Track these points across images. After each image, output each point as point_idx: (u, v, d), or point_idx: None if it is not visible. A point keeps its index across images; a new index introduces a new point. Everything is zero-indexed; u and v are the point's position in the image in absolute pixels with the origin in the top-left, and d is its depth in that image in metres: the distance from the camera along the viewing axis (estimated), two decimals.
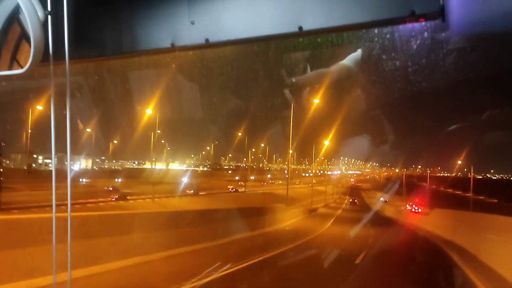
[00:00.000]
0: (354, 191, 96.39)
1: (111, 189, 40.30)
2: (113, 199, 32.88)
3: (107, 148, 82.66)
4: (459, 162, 58.73)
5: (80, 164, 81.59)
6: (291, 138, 37.47)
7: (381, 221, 33.91)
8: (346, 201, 66.02)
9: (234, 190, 52.97)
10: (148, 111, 38.02)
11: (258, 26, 1.83)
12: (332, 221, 29.43)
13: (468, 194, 64.12)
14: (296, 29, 1.76)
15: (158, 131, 45.49)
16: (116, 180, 54.81)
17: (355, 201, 66.29)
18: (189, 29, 1.95)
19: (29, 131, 47.00)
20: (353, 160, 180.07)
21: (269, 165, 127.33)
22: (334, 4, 1.70)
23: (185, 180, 57.61)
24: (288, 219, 24.87)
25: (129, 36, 2.06)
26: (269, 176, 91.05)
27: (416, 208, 51.95)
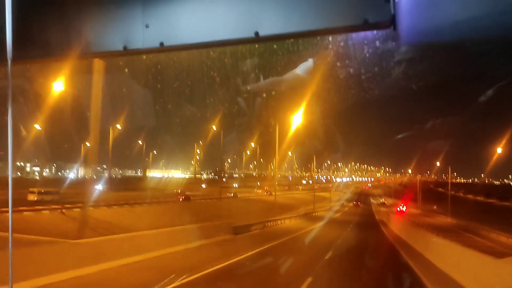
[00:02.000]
0: (361, 198, 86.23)
1: (179, 191, 51.02)
2: (181, 199, 42.90)
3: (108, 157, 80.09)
4: (496, 154, 50.92)
5: (78, 172, 78.61)
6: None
7: (373, 251, 20.20)
8: (344, 210, 60.95)
9: (268, 193, 62.42)
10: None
11: (214, 30, 1.82)
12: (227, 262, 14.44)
13: (492, 200, 63.67)
14: (252, 35, 1.77)
15: (118, 125, 46.78)
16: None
17: (358, 204, 66.65)
18: (143, 32, 1.90)
19: None
20: (365, 165, 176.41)
21: (277, 172, 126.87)
22: (290, 10, 1.72)
23: (98, 187, 45.57)
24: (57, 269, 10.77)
25: (78, 37, 1.98)
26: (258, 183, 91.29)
27: (402, 207, 52.62)
